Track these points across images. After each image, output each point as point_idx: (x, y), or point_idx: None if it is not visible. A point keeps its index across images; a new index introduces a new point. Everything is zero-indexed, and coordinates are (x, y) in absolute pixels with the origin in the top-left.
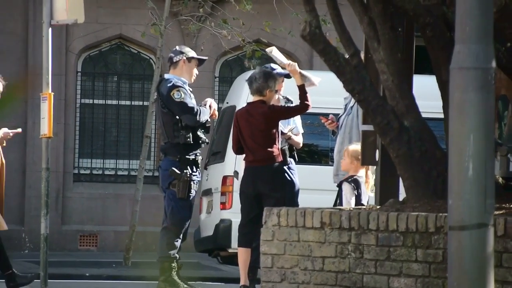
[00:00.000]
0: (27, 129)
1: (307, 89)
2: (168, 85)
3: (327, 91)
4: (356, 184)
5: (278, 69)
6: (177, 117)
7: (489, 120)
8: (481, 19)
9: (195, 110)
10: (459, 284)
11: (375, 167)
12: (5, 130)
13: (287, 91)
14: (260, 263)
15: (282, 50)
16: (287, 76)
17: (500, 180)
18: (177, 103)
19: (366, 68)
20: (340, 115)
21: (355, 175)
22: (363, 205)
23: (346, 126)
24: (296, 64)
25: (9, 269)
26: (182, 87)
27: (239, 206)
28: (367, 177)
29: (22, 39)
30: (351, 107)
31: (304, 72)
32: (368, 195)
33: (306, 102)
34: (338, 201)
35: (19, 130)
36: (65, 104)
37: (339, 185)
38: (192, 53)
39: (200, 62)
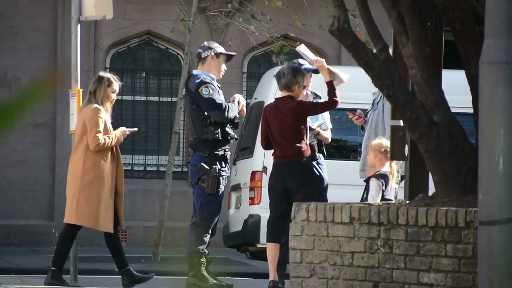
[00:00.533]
0: (56, 125)
1: (336, 86)
2: (197, 81)
3: (356, 86)
4: (384, 180)
5: (306, 65)
6: (206, 113)
7: None
8: (510, 13)
9: (224, 106)
10: (489, 279)
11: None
12: (123, 129)
13: (316, 86)
14: (289, 258)
15: (310, 46)
16: (315, 71)
17: None
18: (205, 99)
19: (394, 63)
20: (368, 110)
21: (381, 170)
22: (389, 200)
23: (372, 121)
24: (323, 60)
25: (125, 266)
26: (211, 83)
27: (267, 201)
28: (391, 168)
29: (51, 35)
30: (377, 103)
31: (332, 68)
32: (394, 187)
33: (334, 98)
34: (365, 196)
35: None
36: None
37: (367, 181)
38: (220, 49)
39: (228, 57)
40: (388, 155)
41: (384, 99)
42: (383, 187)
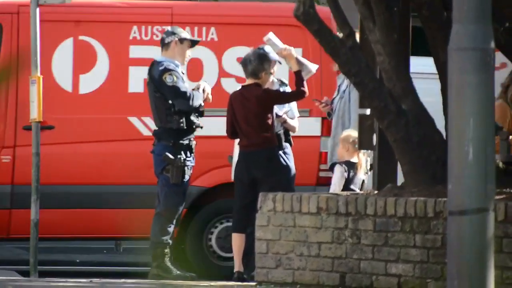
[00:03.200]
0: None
1: (305, 77)
2: (160, 68)
3: None
4: (348, 167)
5: (271, 52)
6: (170, 101)
7: (489, 103)
8: None
9: (188, 94)
10: (458, 270)
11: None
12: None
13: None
14: (254, 249)
15: None
16: (279, 62)
17: (501, 164)
18: (169, 87)
19: (361, 49)
20: (334, 96)
21: (349, 160)
22: (352, 190)
23: (339, 110)
24: (292, 48)
25: None
26: (174, 71)
27: (233, 191)
28: (359, 159)
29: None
30: (344, 91)
31: (300, 58)
32: (362, 178)
33: (302, 88)
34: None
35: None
36: None
37: (331, 168)
38: (184, 34)
39: (193, 43)
40: (357, 146)
41: (350, 87)
42: (346, 175)
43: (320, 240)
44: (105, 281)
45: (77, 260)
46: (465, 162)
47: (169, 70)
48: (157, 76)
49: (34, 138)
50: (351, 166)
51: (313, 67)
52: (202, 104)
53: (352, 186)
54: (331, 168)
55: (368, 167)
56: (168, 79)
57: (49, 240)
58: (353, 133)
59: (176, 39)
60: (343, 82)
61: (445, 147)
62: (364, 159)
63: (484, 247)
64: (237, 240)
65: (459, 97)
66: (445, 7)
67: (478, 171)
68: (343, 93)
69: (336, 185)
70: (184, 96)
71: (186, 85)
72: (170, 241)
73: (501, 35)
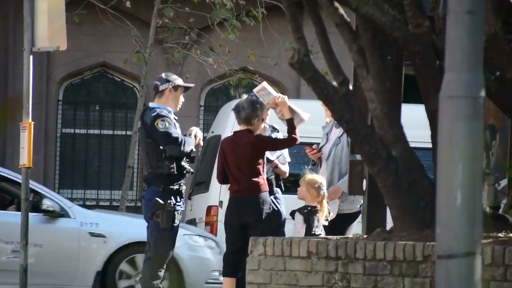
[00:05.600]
0: (6, 159)
1: (297, 125)
2: (152, 114)
3: (315, 120)
4: (309, 215)
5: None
6: (161, 147)
7: (478, 150)
8: (471, 48)
9: (180, 140)
10: None
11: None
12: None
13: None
14: None
15: (269, 79)
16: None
17: (488, 209)
18: (161, 133)
19: (355, 96)
20: (321, 144)
21: (310, 205)
22: (315, 235)
23: (335, 156)
24: (286, 97)
25: None
26: (167, 117)
27: (223, 236)
28: (322, 206)
29: (2, 67)
30: (339, 137)
31: (293, 106)
32: (323, 223)
33: (294, 135)
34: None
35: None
36: (45, 134)
37: (292, 214)
38: (179, 81)
39: (185, 89)
40: (321, 192)
41: None
42: (307, 221)
43: (311, 284)
44: None
45: None
46: (453, 207)
47: (162, 116)
48: (149, 122)
49: (24, 184)
50: (310, 212)
51: (305, 116)
52: (194, 149)
53: (317, 232)
54: (291, 214)
55: (329, 214)
56: (160, 125)
57: None
58: (319, 178)
59: (171, 86)
60: (331, 129)
61: (434, 192)
62: (326, 206)
63: None
64: (228, 285)
65: (449, 143)
66: (437, 56)
67: (466, 216)
68: (338, 139)
69: (299, 234)
70: (175, 142)
71: (178, 131)
72: (161, 286)
73: (491, 84)
